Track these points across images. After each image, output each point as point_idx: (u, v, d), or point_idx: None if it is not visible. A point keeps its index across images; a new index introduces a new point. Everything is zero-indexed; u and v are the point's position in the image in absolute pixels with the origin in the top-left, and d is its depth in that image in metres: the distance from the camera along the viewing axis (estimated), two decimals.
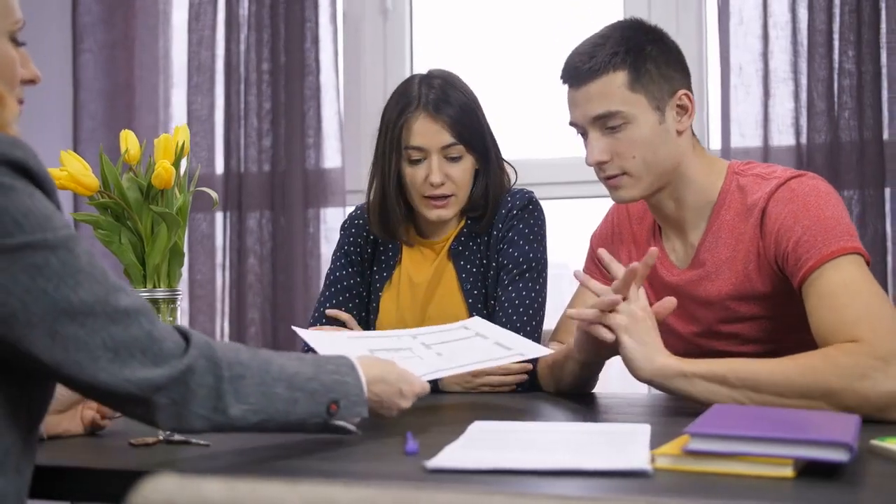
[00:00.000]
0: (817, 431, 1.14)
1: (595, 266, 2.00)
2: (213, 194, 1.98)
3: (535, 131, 3.32)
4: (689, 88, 1.83)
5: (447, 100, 1.99)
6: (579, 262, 2.11)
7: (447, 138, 1.99)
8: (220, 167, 3.37)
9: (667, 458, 1.16)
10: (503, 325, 1.97)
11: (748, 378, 1.53)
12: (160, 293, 1.86)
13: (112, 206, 1.82)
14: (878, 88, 2.74)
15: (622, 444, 1.29)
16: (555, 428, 1.46)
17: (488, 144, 2.05)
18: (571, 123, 1.85)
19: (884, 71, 2.74)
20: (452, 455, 1.21)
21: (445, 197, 2.00)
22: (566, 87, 1.84)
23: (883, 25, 2.74)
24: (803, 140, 2.81)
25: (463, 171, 2.00)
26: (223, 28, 3.39)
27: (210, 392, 1.16)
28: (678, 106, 1.80)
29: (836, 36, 2.78)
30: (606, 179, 1.82)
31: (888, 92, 2.73)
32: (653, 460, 1.17)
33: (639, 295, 1.66)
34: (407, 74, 3.41)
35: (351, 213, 2.20)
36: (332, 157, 3.32)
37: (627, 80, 1.76)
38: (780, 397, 1.49)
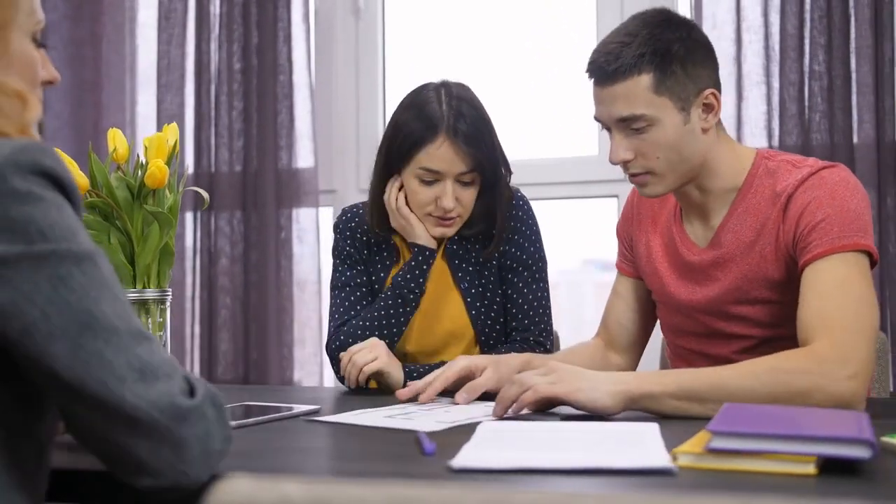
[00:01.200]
0: (838, 429, 1.16)
1: (624, 250, 2.10)
2: (205, 194, 1.97)
3: (505, 131, 3.33)
4: (717, 84, 1.82)
5: (469, 126, 1.95)
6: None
7: (466, 166, 1.96)
8: (190, 167, 3.33)
9: (689, 457, 1.18)
10: (524, 326, 2.01)
11: (716, 387, 1.54)
12: (150, 293, 1.85)
13: (100, 206, 1.80)
14: (849, 92, 2.79)
15: (636, 442, 1.30)
16: (563, 427, 1.46)
17: (499, 170, 2.03)
18: (596, 118, 1.85)
19: (853, 75, 2.79)
20: (475, 455, 1.21)
21: (452, 218, 1.99)
22: (591, 81, 1.83)
23: (853, 31, 2.79)
24: (775, 142, 2.86)
25: (472, 194, 2.00)
26: (193, 26, 3.36)
27: (223, 421, 1.11)
28: (704, 104, 1.79)
29: (807, 41, 2.84)
30: (632, 177, 1.84)
31: (857, 96, 2.79)
32: (675, 458, 1.18)
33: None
34: (379, 74, 3.42)
35: (343, 216, 2.17)
36: (304, 157, 3.31)
37: (653, 82, 1.75)
38: (751, 402, 1.49)
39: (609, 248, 2.97)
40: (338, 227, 2.16)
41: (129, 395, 1.04)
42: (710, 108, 1.80)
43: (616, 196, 3.17)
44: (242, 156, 3.31)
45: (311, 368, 3.28)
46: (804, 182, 1.76)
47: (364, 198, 3.35)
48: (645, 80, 1.75)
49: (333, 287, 2.12)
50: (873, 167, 2.76)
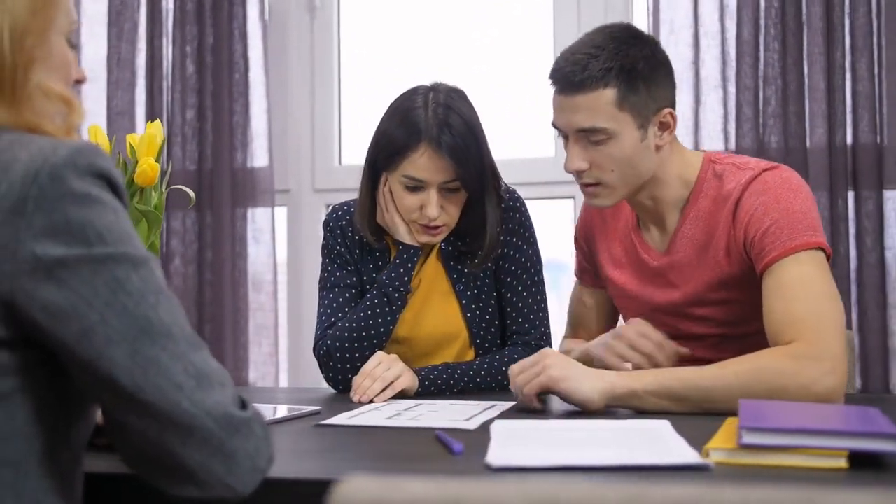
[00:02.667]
0: (866, 424, 1.20)
1: (583, 260, 2.12)
2: (191, 193, 1.94)
3: None
4: (674, 104, 1.86)
5: (454, 138, 1.89)
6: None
7: (450, 175, 1.92)
8: None
9: (721, 452, 1.20)
10: (524, 330, 2.01)
11: (697, 387, 1.60)
12: None
13: None
14: (802, 97, 2.87)
15: (658, 439, 1.32)
16: (577, 426, 1.48)
17: (487, 182, 1.99)
18: (554, 124, 1.87)
19: (806, 81, 2.87)
20: (510, 454, 1.22)
21: (438, 226, 1.97)
22: (553, 87, 1.84)
23: (805, 38, 2.87)
24: (732, 145, 2.93)
25: (458, 202, 1.96)
26: (145, 22, 3.30)
27: (269, 439, 1.10)
28: (661, 122, 1.83)
29: (762, 47, 2.91)
30: (583, 185, 1.87)
31: (810, 101, 2.87)
32: (707, 455, 1.21)
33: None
34: (335, 73, 3.40)
35: (333, 214, 2.13)
36: (260, 156, 3.27)
37: (616, 98, 1.77)
38: (727, 403, 1.54)
39: (566, 250, 3.01)
40: (328, 225, 2.12)
41: (185, 402, 1.03)
42: (665, 127, 1.84)
43: (573, 197, 3.20)
44: (196, 155, 3.26)
45: (267, 370, 3.25)
46: (749, 185, 1.81)
47: (319, 198, 3.40)
48: (609, 94, 1.77)
49: (322, 287, 2.09)
50: (826, 170, 2.84)
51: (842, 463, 1.15)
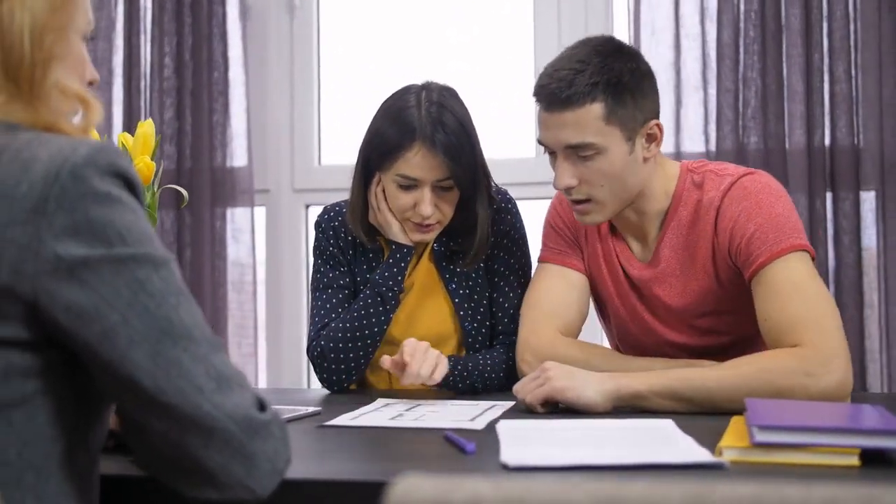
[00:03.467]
0: (876, 422, 1.21)
1: (564, 249, 2.01)
2: (184, 193, 1.92)
3: None
4: (658, 115, 1.86)
5: (448, 136, 1.89)
6: None
7: (443, 173, 1.91)
8: None
9: (734, 451, 1.22)
10: (511, 331, 1.99)
11: (700, 388, 1.62)
12: None
13: None
14: (781, 100, 2.91)
15: (666, 438, 1.34)
16: (584, 425, 1.48)
17: (480, 181, 1.99)
18: (540, 142, 1.85)
19: (786, 83, 2.91)
20: (524, 453, 1.22)
21: (431, 224, 1.96)
22: (538, 105, 1.83)
23: (784, 41, 2.91)
24: (712, 147, 2.95)
25: (452, 200, 1.96)
26: (123, 19, 3.26)
27: (286, 442, 1.10)
28: (648, 134, 1.83)
29: (742, 49, 2.94)
30: (573, 203, 1.86)
31: (789, 103, 2.90)
32: (720, 453, 1.22)
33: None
34: (314, 73, 3.38)
35: (325, 215, 2.11)
36: (239, 156, 3.25)
37: (604, 112, 1.76)
38: (732, 403, 1.56)
39: None
40: (320, 226, 2.10)
41: (206, 404, 1.02)
42: (652, 139, 1.84)
43: (552, 199, 3.21)
44: (175, 154, 3.23)
45: (247, 370, 3.22)
46: (728, 192, 1.82)
47: (299, 198, 3.38)
48: (597, 108, 1.76)
49: (315, 288, 2.07)
50: (804, 172, 2.88)
51: (854, 460, 1.17)
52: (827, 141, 2.89)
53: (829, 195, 2.90)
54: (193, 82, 3.22)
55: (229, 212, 3.25)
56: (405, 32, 3.45)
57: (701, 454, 1.21)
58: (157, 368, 1.01)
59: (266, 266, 3.37)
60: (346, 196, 3.29)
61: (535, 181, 3.15)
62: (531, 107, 3.20)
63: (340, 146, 3.45)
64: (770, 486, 0.67)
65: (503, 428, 1.43)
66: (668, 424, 1.43)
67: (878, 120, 2.86)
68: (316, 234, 2.11)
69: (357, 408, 1.70)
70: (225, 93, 3.24)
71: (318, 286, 2.06)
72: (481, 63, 3.36)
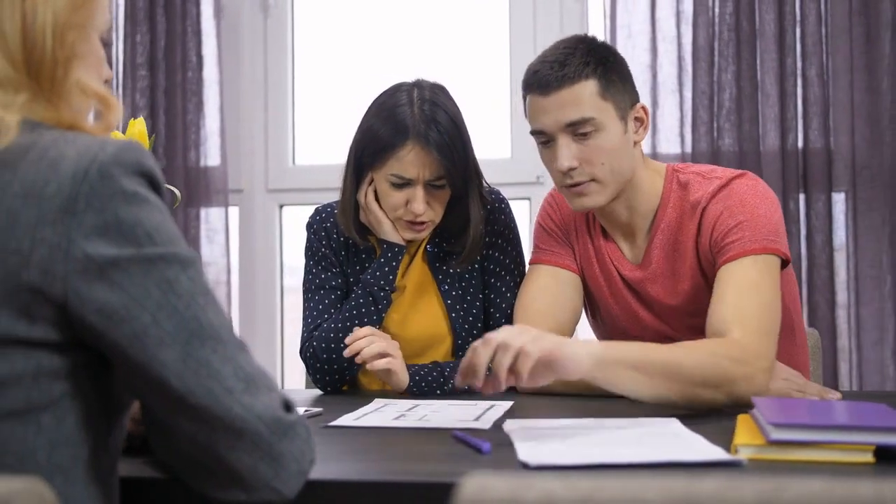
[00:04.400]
0: (887, 419, 1.24)
1: (553, 244, 2.02)
2: (177, 192, 1.90)
3: None
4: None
5: (442, 135, 1.89)
6: None
7: (437, 171, 1.91)
8: None
9: (750, 449, 1.23)
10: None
11: (667, 365, 1.57)
12: None
13: None
14: (756, 102, 2.95)
15: (676, 436, 1.35)
16: (591, 424, 1.49)
17: (472, 179, 1.98)
18: (534, 132, 1.87)
19: (760, 86, 2.95)
20: (542, 452, 1.23)
21: (423, 222, 1.96)
22: (531, 96, 1.85)
23: (759, 45, 2.95)
24: (688, 149, 2.99)
25: (443, 199, 1.95)
26: None
27: (311, 442, 1.09)
28: (636, 118, 1.87)
29: (717, 53, 2.98)
30: (573, 186, 1.85)
31: (763, 106, 2.95)
32: (736, 451, 1.23)
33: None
34: (288, 72, 3.37)
35: (317, 216, 2.09)
36: (213, 156, 3.23)
37: (598, 88, 1.81)
38: (691, 386, 1.55)
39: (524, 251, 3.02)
40: (311, 227, 2.09)
41: (236, 406, 1.01)
42: (640, 122, 1.88)
43: (528, 199, 3.23)
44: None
45: None
46: (717, 194, 1.85)
47: (273, 198, 3.36)
48: (592, 84, 1.80)
49: (307, 290, 2.06)
50: (778, 173, 2.92)
51: (868, 457, 1.19)
52: (800, 143, 2.94)
53: (801, 196, 2.95)
54: (167, 81, 3.20)
55: (203, 212, 3.22)
56: (380, 33, 3.44)
57: (717, 452, 1.22)
58: (186, 370, 1.00)
59: (239, 266, 3.35)
60: (319, 196, 3.29)
61: (512, 182, 3.17)
62: (507, 108, 3.25)
63: (315, 146, 3.44)
64: (838, 483, 0.68)
65: (512, 427, 1.43)
66: (674, 423, 1.44)
67: (850, 122, 2.92)
68: (307, 235, 2.10)
69: (354, 408, 1.69)
70: (198, 92, 3.21)
71: (310, 287, 2.05)
72: (457, 64, 3.37)
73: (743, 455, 1.22)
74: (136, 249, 1.00)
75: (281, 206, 3.38)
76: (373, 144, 1.94)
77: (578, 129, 1.81)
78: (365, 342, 1.82)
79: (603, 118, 1.81)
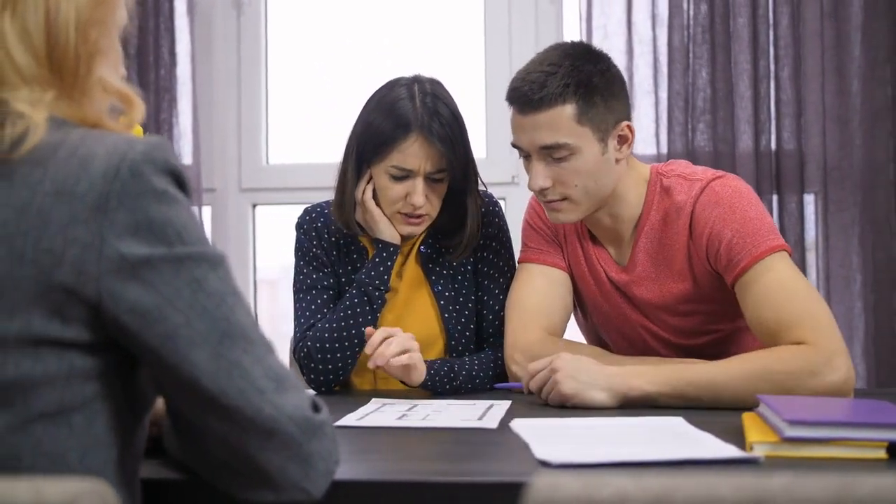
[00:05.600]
0: None
1: (543, 242, 2.04)
2: None
3: None
4: (630, 117, 1.90)
5: (444, 127, 1.91)
6: None
7: (438, 164, 1.93)
8: None
9: (766, 446, 1.25)
10: (501, 333, 1.99)
11: (708, 388, 1.65)
12: None
13: None
14: (730, 104, 2.99)
15: (686, 435, 1.36)
16: (599, 423, 1.49)
17: (470, 174, 2.01)
18: (515, 145, 1.88)
19: (734, 88, 2.99)
20: (558, 451, 1.23)
21: (421, 216, 1.97)
22: (511, 109, 1.86)
23: (733, 47, 2.99)
24: (663, 150, 3.02)
25: (441, 193, 1.96)
26: None
27: (336, 441, 1.08)
28: (619, 136, 1.86)
29: (692, 55, 3.01)
30: (547, 203, 1.88)
31: (737, 108, 2.98)
32: (751, 448, 1.25)
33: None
34: (262, 70, 3.35)
35: (307, 216, 2.07)
36: (185, 154, 3.20)
37: (576, 112, 1.80)
38: (736, 401, 1.60)
39: None
40: (301, 227, 2.07)
41: (267, 406, 1.00)
42: (624, 140, 1.87)
43: (503, 199, 3.23)
44: None
45: None
46: (700, 197, 1.86)
47: (245, 197, 3.33)
48: (569, 109, 1.80)
49: (298, 290, 2.05)
50: (752, 174, 2.96)
51: (881, 454, 1.21)
52: (773, 145, 2.99)
53: (774, 197, 2.99)
54: (139, 79, 3.15)
55: None
56: (354, 32, 3.43)
57: (732, 450, 1.24)
58: (218, 370, 0.99)
59: None
60: (293, 195, 3.30)
61: (487, 182, 3.15)
62: (482, 108, 3.25)
63: (288, 146, 3.42)
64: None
65: (521, 427, 1.44)
66: (680, 422, 1.46)
67: (821, 124, 2.96)
68: (297, 235, 2.08)
69: (350, 409, 1.69)
70: (171, 90, 3.18)
71: (302, 287, 2.04)
72: (431, 66, 3.34)
73: (758, 452, 1.24)
74: (167, 249, 0.99)
75: (254, 206, 3.36)
76: (374, 139, 1.94)
77: (553, 154, 1.82)
78: (384, 345, 1.79)
79: (579, 143, 1.81)
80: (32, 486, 0.69)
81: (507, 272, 2.08)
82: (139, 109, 1.11)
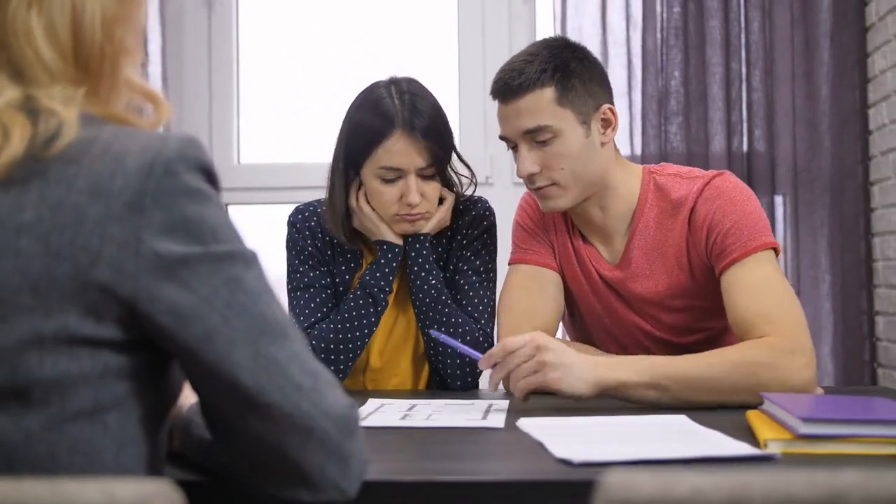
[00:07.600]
0: None
1: (537, 249, 2.04)
2: None
3: None
4: (612, 103, 1.93)
5: (426, 120, 1.92)
6: None
7: (426, 159, 1.93)
8: None
9: (780, 443, 1.26)
10: (477, 325, 2.00)
11: (683, 380, 1.65)
12: None
13: None
14: (703, 106, 3.03)
15: (695, 433, 1.37)
16: (607, 422, 1.50)
17: (452, 163, 2.04)
18: (502, 137, 1.93)
19: (707, 91, 3.03)
20: (577, 449, 1.23)
21: (419, 214, 1.97)
22: (496, 102, 1.90)
23: (707, 50, 3.03)
24: (637, 151, 3.05)
25: (435, 188, 1.97)
26: None
27: (363, 439, 1.07)
28: (602, 119, 1.90)
29: (665, 57, 3.04)
30: (537, 190, 1.91)
31: (710, 110, 3.03)
32: (765, 446, 1.26)
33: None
34: (233, 69, 3.32)
35: (299, 214, 2.05)
36: None
37: (555, 95, 1.84)
38: (710, 395, 1.63)
39: None
40: (294, 225, 2.05)
41: (305, 403, 1.00)
42: (608, 124, 1.91)
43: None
44: None
45: None
46: (702, 193, 1.90)
47: None
48: (548, 92, 1.84)
49: (294, 289, 2.02)
50: None
51: (895, 450, 1.23)
52: (745, 147, 3.03)
53: None
54: None
55: None
56: (326, 31, 3.41)
57: (746, 447, 1.25)
58: (258, 368, 0.98)
59: None
60: (264, 195, 3.27)
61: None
62: (455, 110, 3.26)
63: (260, 145, 3.39)
64: None
65: (529, 426, 1.44)
66: (684, 419, 1.47)
67: (791, 127, 3.01)
68: (290, 233, 2.06)
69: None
70: None
71: (298, 286, 2.02)
72: (405, 66, 3.34)
73: (773, 449, 1.26)
74: (202, 247, 0.98)
75: (226, 205, 3.32)
76: (361, 137, 1.94)
77: (537, 137, 1.85)
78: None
79: (561, 125, 1.84)
80: (103, 488, 0.68)
81: (482, 272, 2.07)
82: (166, 109, 1.10)
